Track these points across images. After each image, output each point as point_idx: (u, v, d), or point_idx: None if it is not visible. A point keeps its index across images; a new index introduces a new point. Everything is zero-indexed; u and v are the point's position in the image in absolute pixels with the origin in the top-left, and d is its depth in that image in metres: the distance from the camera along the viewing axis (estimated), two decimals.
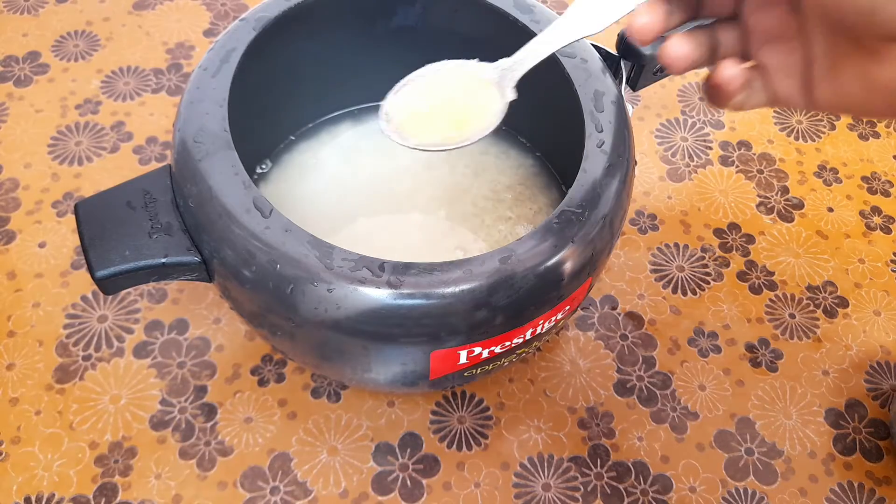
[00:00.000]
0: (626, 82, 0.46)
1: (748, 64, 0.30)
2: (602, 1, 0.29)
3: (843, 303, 0.53)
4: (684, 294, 0.52)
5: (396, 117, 0.32)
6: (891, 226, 0.57)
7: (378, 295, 0.33)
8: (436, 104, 0.32)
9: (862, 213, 0.58)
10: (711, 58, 0.30)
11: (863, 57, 0.26)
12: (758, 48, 0.29)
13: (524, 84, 0.36)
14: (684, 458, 0.45)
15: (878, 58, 0.25)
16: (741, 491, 0.45)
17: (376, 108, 0.53)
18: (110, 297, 0.49)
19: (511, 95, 0.31)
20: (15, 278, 0.49)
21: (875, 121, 0.63)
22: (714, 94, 0.30)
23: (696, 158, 0.60)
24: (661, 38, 0.30)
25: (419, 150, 0.31)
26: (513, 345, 0.37)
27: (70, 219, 0.52)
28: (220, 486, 0.43)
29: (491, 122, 0.31)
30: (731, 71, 0.28)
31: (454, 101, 0.31)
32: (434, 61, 0.40)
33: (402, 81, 0.32)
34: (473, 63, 0.32)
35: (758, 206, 0.57)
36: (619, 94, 0.41)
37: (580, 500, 0.44)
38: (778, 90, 0.29)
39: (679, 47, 0.29)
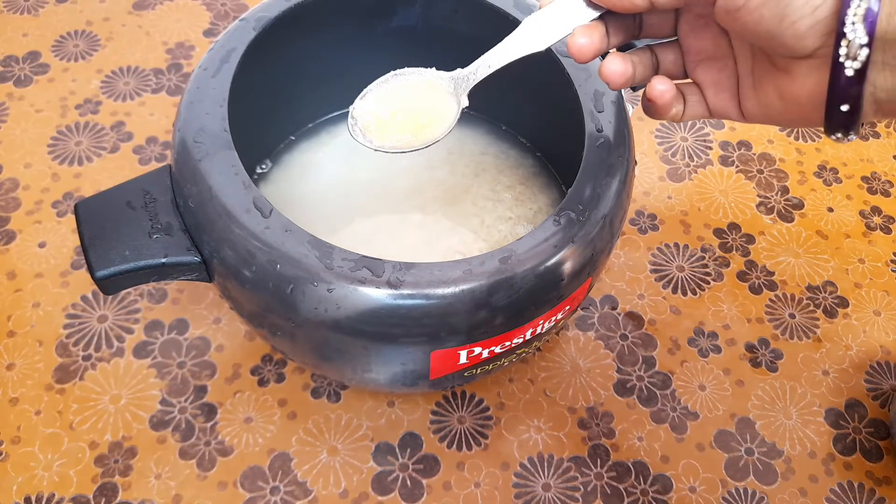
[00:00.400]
0: None
1: (684, 81, 0.33)
2: (547, 22, 0.31)
3: (843, 303, 0.53)
4: (684, 294, 0.52)
5: (361, 120, 0.34)
6: (891, 226, 0.57)
7: (378, 295, 0.33)
8: (396, 110, 0.34)
9: (862, 213, 0.58)
10: (653, 75, 0.33)
11: (777, 73, 0.29)
12: (693, 67, 0.32)
13: (526, 84, 0.36)
14: (684, 458, 0.45)
15: (788, 74, 0.28)
16: (741, 491, 0.45)
17: None
18: (110, 297, 0.49)
19: (464, 103, 0.34)
20: (15, 278, 0.49)
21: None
22: (648, 107, 0.32)
23: (696, 158, 0.60)
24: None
25: (381, 151, 0.34)
26: (513, 345, 0.37)
27: (70, 219, 0.52)
28: (221, 486, 0.43)
29: (445, 127, 0.34)
30: (661, 87, 0.31)
31: (413, 108, 0.34)
32: (434, 62, 0.40)
33: (368, 87, 0.34)
34: (431, 71, 0.34)
35: (758, 206, 0.57)
36: (619, 94, 0.41)
37: (580, 500, 0.44)
38: (712, 104, 0.32)
39: (613, 65, 0.31)
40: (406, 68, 0.35)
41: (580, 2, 0.31)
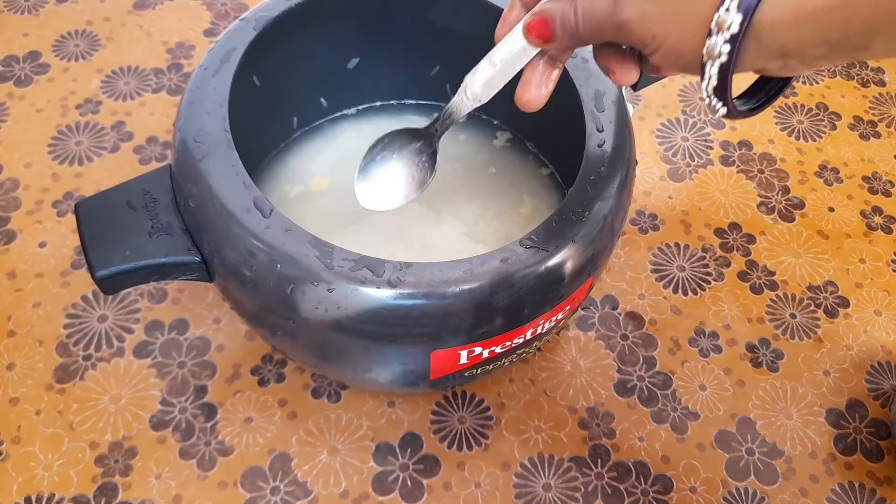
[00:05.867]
0: None
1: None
2: (487, 77, 0.34)
3: (844, 303, 0.53)
4: (685, 294, 0.52)
5: (362, 193, 0.40)
6: (892, 226, 0.57)
7: (378, 295, 0.33)
8: (387, 177, 0.40)
9: (863, 213, 0.57)
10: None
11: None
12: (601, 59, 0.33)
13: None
14: (685, 458, 0.45)
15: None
16: (742, 491, 0.45)
17: (376, 109, 0.54)
18: (110, 296, 0.49)
19: (435, 161, 0.39)
20: (15, 278, 0.49)
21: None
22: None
23: (696, 158, 0.60)
24: None
25: (380, 211, 0.40)
26: (513, 345, 0.37)
27: (70, 219, 0.52)
28: (221, 486, 0.43)
29: (424, 180, 0.40)
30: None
31: (400, 171, 0.40)
32: (434, 61, 0.40)
33: (362, 163, 0.40)
34: (406, 132, 0.39)
35: (758, 205, 0.57)
36: (619, 94, 0.41)
37: (581, 500, 0.44)
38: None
39: (538, 97, 0.33)
40: (386, 135, 0.39)
41: (519, 46, 0.32)
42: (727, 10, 0.25)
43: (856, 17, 0.23)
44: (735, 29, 0.25)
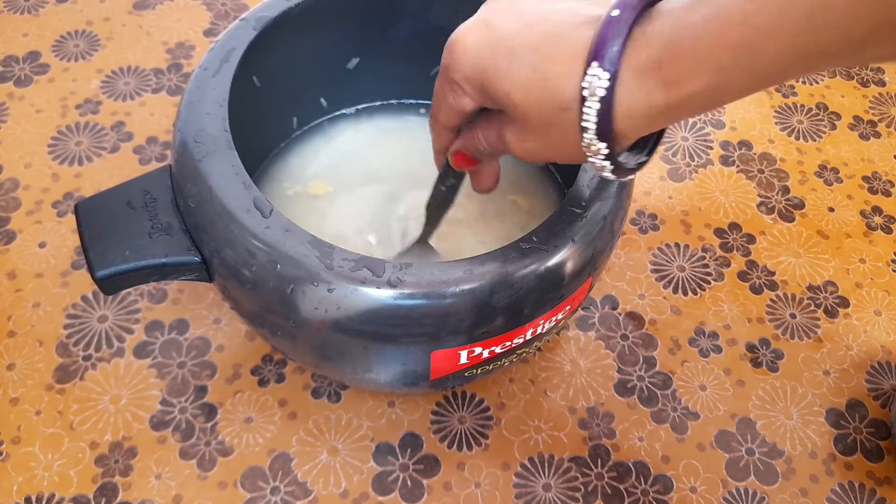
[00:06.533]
0: None
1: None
2: (441, 198, 0.41)
3: (844, 303, 0.53)
4: (685, 294, 0.52)
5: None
6: (891, 226, 0.57)
7: (378, 295, 0.33)
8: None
9: (863, 213, 0.57)
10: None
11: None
12: None
13: None
14: (685, 458, 0.45)
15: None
16: (742, 491, 0.45)
17: (376, 109, 0.54)
18: (110, 297, 0.49)
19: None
20: (15, 278, 0.49)
21: (882, 122, 0.63)
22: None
23: (696, 158, 0.60)
24: None
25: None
26: (513, 345, 0.37)
27: (70, 219, 0.52)
28: (221, 486, 0.43)
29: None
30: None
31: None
32: (434, 61, 0.40)
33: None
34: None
35: (758, 205, 0.57)
36: None
37: (581, 500, 0.44)
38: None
39: (491, 185, 0.39)
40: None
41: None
42: (588, 145, 0.29)
43: (683, 113, 0.28)
44: (605, 152, 0.29)
